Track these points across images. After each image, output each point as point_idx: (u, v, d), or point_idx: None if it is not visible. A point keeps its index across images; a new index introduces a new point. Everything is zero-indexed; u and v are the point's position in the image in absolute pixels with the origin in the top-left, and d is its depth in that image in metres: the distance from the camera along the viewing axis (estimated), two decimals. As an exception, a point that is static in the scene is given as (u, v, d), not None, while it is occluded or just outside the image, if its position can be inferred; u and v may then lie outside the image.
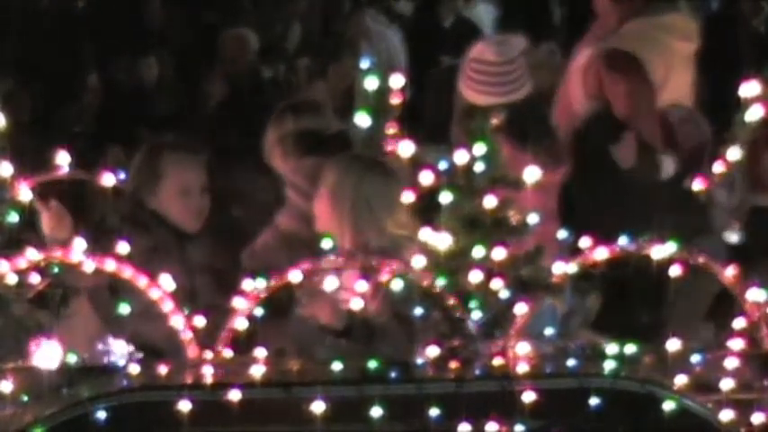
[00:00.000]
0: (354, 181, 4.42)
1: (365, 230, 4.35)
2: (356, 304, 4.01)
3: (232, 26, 9.07)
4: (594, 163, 5.34)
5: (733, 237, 5.51)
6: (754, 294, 3.90)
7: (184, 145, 5.23)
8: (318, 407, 3.64)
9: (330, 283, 3.99)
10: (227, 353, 3.84)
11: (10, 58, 8.73)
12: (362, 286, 3.96)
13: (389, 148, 4.58)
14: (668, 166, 5.44)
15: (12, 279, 3.86)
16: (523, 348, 3.84)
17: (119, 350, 4.08)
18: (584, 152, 5.34)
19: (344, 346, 4.20)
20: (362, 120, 4.64)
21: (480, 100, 5.14)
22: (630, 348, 3.87)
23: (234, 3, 9.88)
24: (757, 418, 3.68)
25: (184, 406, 3.65)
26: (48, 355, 3.80)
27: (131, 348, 4.05)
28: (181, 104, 8.83)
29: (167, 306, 3.84)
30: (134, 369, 3.83)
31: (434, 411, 3.70)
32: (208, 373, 3.78)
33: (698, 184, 4.68)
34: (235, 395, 3.69)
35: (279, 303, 4.00)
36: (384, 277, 3.93)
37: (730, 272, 3.94)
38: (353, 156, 4.75)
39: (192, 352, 3.85)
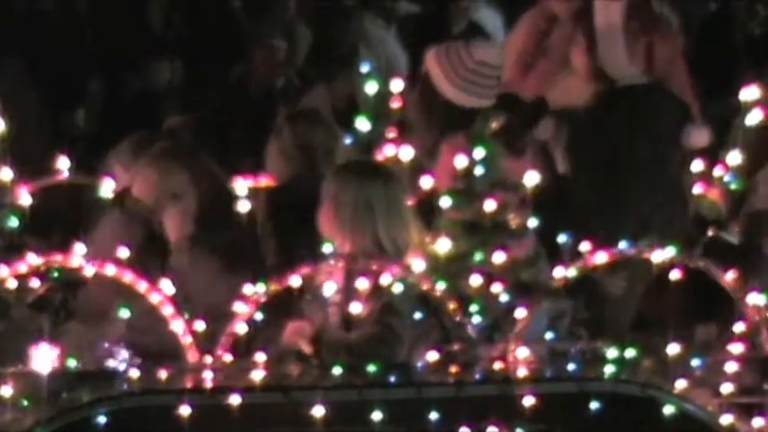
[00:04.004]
0: (355, 188, 4.42)
1: (366, 237, 4.35)
2: (355, 308, 4.01)
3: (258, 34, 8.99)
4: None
5: (731, 238, 5.50)
6: (754, 298, 3.90)
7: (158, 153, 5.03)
8: (318, 411, 3.64)
9: (329, 288, 4.00)
10: (227, 357, 3.84)
11: (12, 60, 8.70)
12: (363, 284, 3.96)
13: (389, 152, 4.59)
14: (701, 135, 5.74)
15: (12, 284, 3.86)
16: (523, 352, 3.84)
17: (119, 355, 4.09)
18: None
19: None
20: (363, 124, 4.65)
21: (471, 102, 5.09)
22: (630, 352, 3.87)
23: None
24: (757, 422, 3.68)
25: (184, 410, 3.65)
26: (46, 358, 3.79)
27: (130, 353, 4.06)
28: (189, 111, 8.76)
29: (167, 310, 3.85)
30: (134, 373, 3.83)
31: (434, 415, 3.69)
32: (208, 378, 3.79)
33: (698, 189, 4.69)
34: (235, 399, 3.68)
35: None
36: (384, 281, 3.94)
37: (730, 276, 3.94)
38: (354, 163, 4.75)
39: (192, 356, 3.86)
